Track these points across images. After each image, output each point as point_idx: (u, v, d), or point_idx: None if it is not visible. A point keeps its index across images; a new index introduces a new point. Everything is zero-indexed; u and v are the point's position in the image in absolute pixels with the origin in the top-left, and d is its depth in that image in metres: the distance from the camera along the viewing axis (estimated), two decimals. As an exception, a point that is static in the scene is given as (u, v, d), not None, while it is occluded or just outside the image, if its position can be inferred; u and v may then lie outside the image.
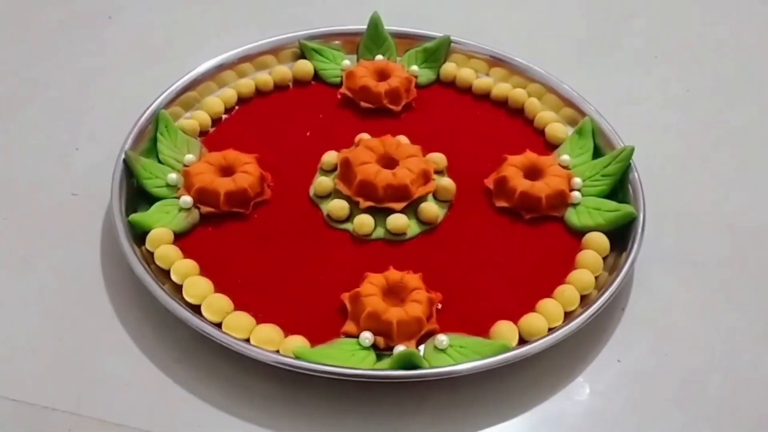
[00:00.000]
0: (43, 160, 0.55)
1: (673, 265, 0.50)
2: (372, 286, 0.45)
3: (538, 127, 0.59)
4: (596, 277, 0.48)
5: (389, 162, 0.52)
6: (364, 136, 0.55)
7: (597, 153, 0.56)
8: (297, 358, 0.41)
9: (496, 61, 0.62)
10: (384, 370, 0.41)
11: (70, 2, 0.68)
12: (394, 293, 0.45)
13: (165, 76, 0.58)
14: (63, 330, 0.45)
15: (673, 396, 0.44)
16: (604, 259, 0.49)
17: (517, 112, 0.60)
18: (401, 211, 0.51)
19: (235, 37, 0.62)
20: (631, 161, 0.53)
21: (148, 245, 0.48)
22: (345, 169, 0.52)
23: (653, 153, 0.56)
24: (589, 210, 0.52)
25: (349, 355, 0.43)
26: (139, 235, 0.48)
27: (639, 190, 0.52)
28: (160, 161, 0.53)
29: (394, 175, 0.51)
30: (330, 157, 0.54)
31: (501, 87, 0.61)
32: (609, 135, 0.56)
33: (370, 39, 0.63)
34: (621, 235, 0.50)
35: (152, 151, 0.54)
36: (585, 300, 0.47)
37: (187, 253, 0.48)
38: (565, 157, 0.55)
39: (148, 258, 0.47)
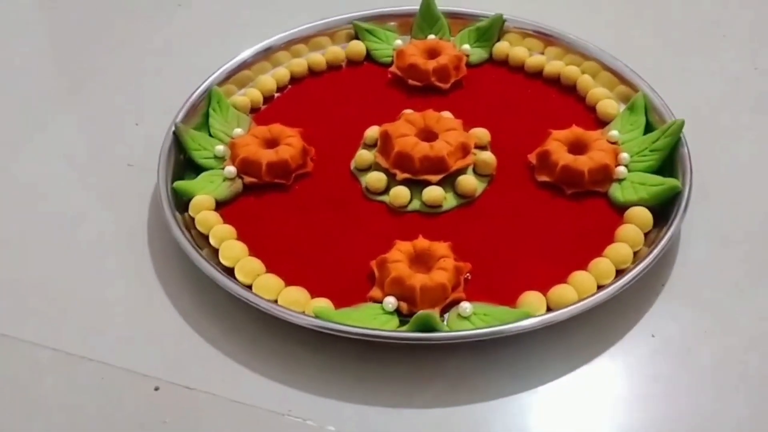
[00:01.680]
0: (107, 133, 0.58)
1: (718, 242, 0.48)
2: (399, 252, 0.45)
3: (590, 104, 0.57)
4: (636, 252, 0.46)
5: (429, 135, 0.52)
6: (410, 111, 0.55)
7: (649, 130, 0.54)
8: (317, 317, 0.42)
9: (551, 39, 0.61)
10: (398, 331, 0.41)
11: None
12: (422, 261, 0.45)
13: (223, 55, 0.60)
14: (105, 285, 0.47)
15: (708, 375, 0.42)
16: (647, 234, 0.48)
17: (569, 90, 0.59)
18: (438, 184, 0.51)
19: (293, 18, 0.64)
20: (681, 135, 0.51)
21: (190, 211, 0.50)
22: (384, 142, 0.52)
23: (705, 129, 0.53)
24: (634, 185, 0.50)
25: (371, 318, 0.43)
26: (184, 203, 0.50)
27: (687, 164, 0.49)
28: (210, 135, 0.55)
29: (431, 147, 0.51)
30: (373, 131, 0.54)
31: (554, 64, 0.60)
32: (661, 110, 0.54)
33: (423, 19, 0.63)
34: (666, 212, 0.48)
35: (204, 125, 0.56)
36: (622, 275, 0.45)
37: (227, 220, 0.50)
38: (614, 133, 0.53)
39: (190, 224, 0.49)
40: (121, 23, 0.69)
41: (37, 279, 0.48)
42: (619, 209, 0.49)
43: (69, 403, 0.41)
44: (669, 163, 0.51)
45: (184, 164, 0.53)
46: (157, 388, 0.42)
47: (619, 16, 0.68)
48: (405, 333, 0.41)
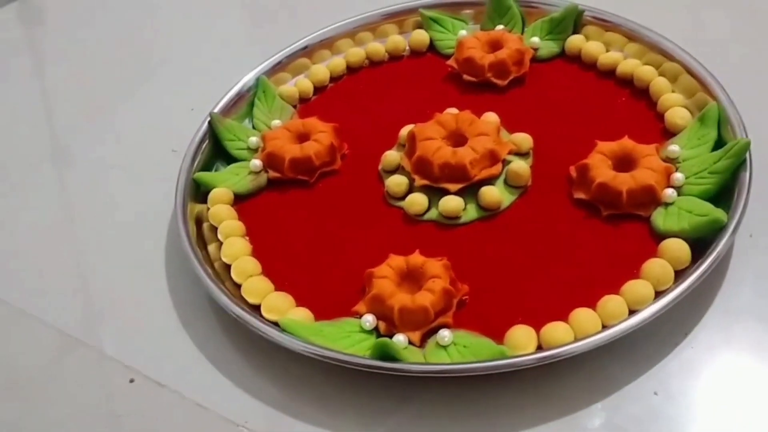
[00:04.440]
0: (162, 117, 0.59)
1: (764, 293, 0.40)
2: (388, 268, 0.42)
3: (660, 111, 0.50)
4: (661, 292, 0.40)
5: (458, 140, 0.48)
6: (451, 110, 0.51)
7: (721, 147, 0.46)
8: (283, 330, 0.41)
9: (632, 35, 0.55)
10: (353, 355, 0.39)
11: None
12: (413, 279, 0.42)
13: (285, 42, 0.59)
14: (112, 270, 0.49)
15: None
16: (684, 271, 0.41)
17: (642, 93, 0.52)
18: (458, 193, 0.47)
19: (361, 5, 0.61)
20: (745, 158, 0.43)
21: (208, 203, 0.50)
22: (409, 144, 0.49)
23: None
24: (680, 212, 0.43)
25: (344, 336, 0.41)
26: (208, 194, 0.50)
27: (744, 193, 0.42)
28: (254, 125, 0.55)
29: (453, 154, 0.47)
30: (406, 131, 0.51)
31: (628, 63, 0.53)
32: (735, 126, 0.46)
33: (494, 8, 0.59)
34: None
35: (250, 114, 0.56)
36: (633, 316, 0.39)
37: (243, 215, 0.49)
38: (674, 148, 0.47)
39: (206, 215, 0.49)
40: (181, 13, 0.70)
41: (61, 256, 0.50)
42: (658, 239, 0.43)
43: (52, 381, 0.43)
44: (730, 189, 0.44)
45: (220, 153, 0.53)
46: (132, 380, 0.42)
47: (716, 20, 0.59)
48: (358, 359, 0.39)
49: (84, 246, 0.51)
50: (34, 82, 0.66)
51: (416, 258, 0.43)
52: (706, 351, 0.39)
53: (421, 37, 0.59)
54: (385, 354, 0.38)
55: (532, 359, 0.37)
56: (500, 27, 0.58)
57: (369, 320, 0.41)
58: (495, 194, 0.46)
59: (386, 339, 0.39)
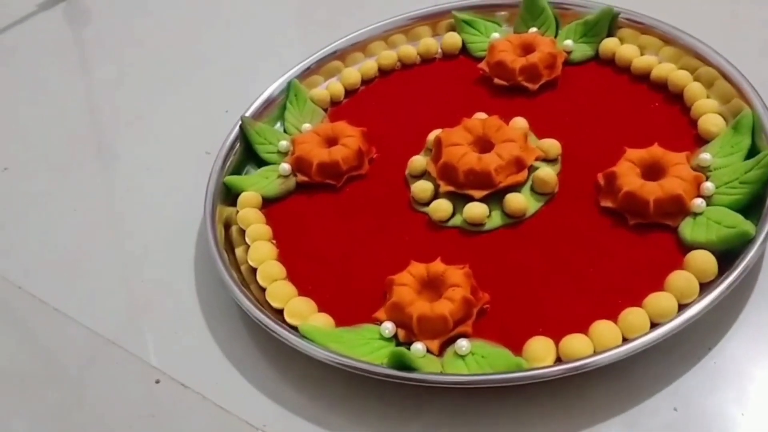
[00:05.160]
0: (198, 118, 0.60)
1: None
2: (409, 275, 0.42)
3: (694, 117, 0.49)
4: (686, 305, 0.39)
5: (485, 145, 0.48)
6: (479, 115, 0.51)
7: (754, 155, 0.45)
8: (303, 336, 0.41)
9: (668, 39, 0.53)
10: (371, 364, 0.39)
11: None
12: (433, 287, 0.42)
13: (320, 44, 0.59)
14: (145, 270, 0.50)
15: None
16: (711, 283, 0.40)
17: (676, 98, 0.51)
18: (484, 200, 0.47)
19: (395, 7, 0.62)
20: (777, 168, 0.42)
21: (237, 206, 0.50)
22: (436, 149, 0.49)
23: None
24: (709, 222, 0.42)
25: (364, 343, 0.41)
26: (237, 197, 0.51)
27: (774, 205, 0.41)
28: (285, 129, 0.55)
29: (479, 160, 0.47)
30: (434, 136, 0.51)
31: (663, 67, 0.52)
32: (769, 134, 0.45)
33: (527, 10, 0.58)
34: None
35: (281, 117, 0.56)
36: (655, 329, 0.39)
37: (271, 218, 0.50)
38: (705, 156, 0.46)
39: (234, 219, 0.50)
40: (217, 14, 0.71)
41: (95, 256, 0.51)
42: (685, 250, 0.42)
43: (81, 379, 0.44)
44: (762, 200, 0.43)
45: (251, 156, 0.54)
46: (158, 381, 0.43)
47: (755, 25, 0.57)
48: (375, 367, 0.39)
49: (117, 247, 0.52)
50: (79, 82, 0.68)
51: (437, 266, 0.43)
52: (729, 366, 0.38)
53: (453, 39, 0.59)
54: (402, 363, 0.38)
55: (550, 372, 0.37)
56: (534, 30, 0.57)
57: (388, 327, 0.41)
58: (520, 201, 0.46)
59: (403, 348, 0.39)
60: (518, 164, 0.47)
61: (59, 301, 0.48)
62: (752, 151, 0.45)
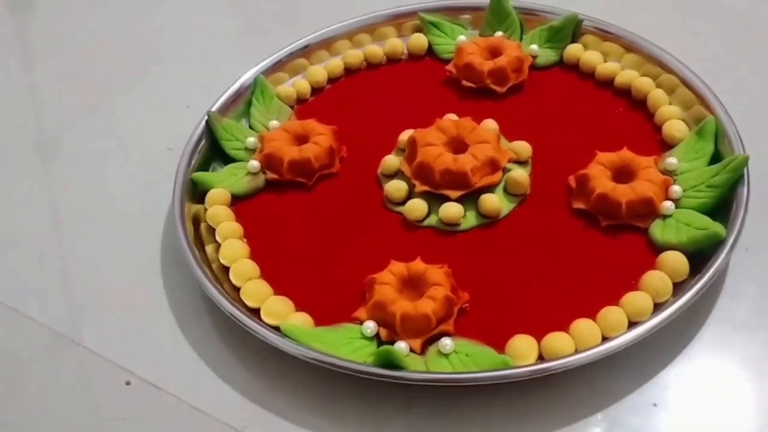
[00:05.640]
0: (157, 113, 0.59)
1: (763, 309, 0.41)
2: (390, 274, 0.42)
3: (658, 123, 0.51)
4: (660, 304, 0.41)
5: (459, 146, 0.48)
6: (450, 116, 0.52)
7: (718, 161, 0.47)
8: (285, 335, 0.40)
9: (630, 46, 0.55)
10: (356, 363, 0.39)
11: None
12: (414, 285, 0.42)
13: (284, 41, 0.59)
14: (110, 273, 0.48)
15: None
16: (682, 283, 0.42)
17: (639, 104, 0.53)
18: (459, 200, 0.47)
19: (359, 7, 0.61)
20: (743, 173, 0.44)
21: (205, 204, 0.49)
22: (410, 150, 0.49)
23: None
24: (678, 224, 0.44)
25: (346, 342, 0.41)
26: (205, 194, 0.50)
27: (741, 208, 0.43)
28: (250, 125, 0.54)
29: (454, 161, 0.47)
30: (406, 136, 0.51)
31: (626, 74, 0.54)
32: (732, 141, 0.47)
33: (493, 14, 0.59)
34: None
35: (247, 113, 0.55)
36: (633, 328, 0.40)
37: (240, 216, 0.49)
38: (671, 161, 0.47)
39: (203, 216, 0.49)
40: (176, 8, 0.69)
41: (53, 254, 0.49)
42: (656, 250, 0.43)
43: (48, 383, 0.42)
44: (728, 203, 0.44)
45: (217, 152, 0.53)
46: (128, 383, 0.42)
47: (713, 34, 0.59)
48: (361, 366, 0.39)
49: (76, 244, 0.50)
50: (22, 75, 0.65)
51: (418, 265, 0.43)
52: (703, 363, 0.39)
53: (419, 41, 0.59)
54: (389, 362, 0.38)
55: (536, 370, 0.38)
56: (499, 33, 0.58)
57: (370, 327, 0.41)
58: (495, 202, 0.47)
59: (389, 347, 0.39)
60: (493, 165, 0.47)
61: (17, 301, 0.46)
62: (715, 157, 0.47)
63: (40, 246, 0.50)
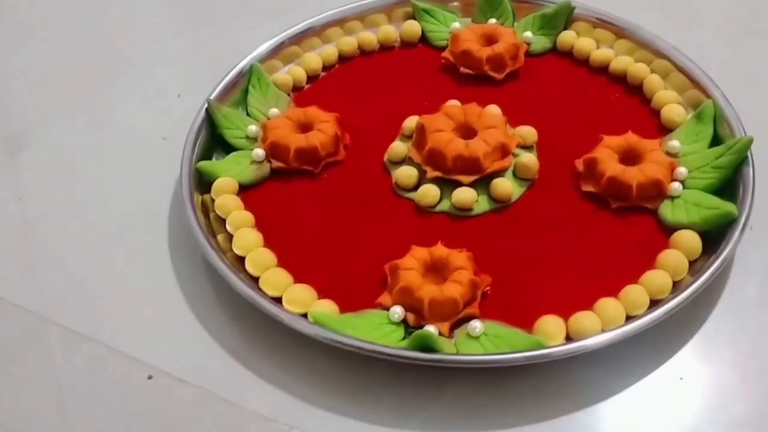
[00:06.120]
0: (148, 102, 0.57)
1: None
2: (413, 259, 0.42)
3: (655, 108, 0.52)
4: (677, 282, 0.42)
5: (467, 132, 0.49)
6: (453, 102, 0.52)
7: (717, 143, 0.48)
8: (315, 323, 0.40)
9: (622, 32, 0.56)
10: (394, 347, 0.39)
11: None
12: (437, 270, 0.42)
13: (276, 29, 0.58)
14: (119, 264, 0.46)
15: None
16: (695, 262, 0.43)
17: (635, 90, 0.54)
18: (471, 185, 0.47)
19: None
20: (748, 154, 0.46)
21: (212, 193, 0.48)
22: (419, 135, 0.49)
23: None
24: (687, 205, 0.45)
25: (374, 328, 0.41)
26: (209, 183, 0.49)
27: (749, 188, 0.44)
28: (248, 113, 0.54)
29: (466, 146, 0.47)
30: (411, 122, 0.51)
31: (621, 60, 0.55)
32: (732, 123, 0.48)
33: (486, 1, 0.59)
34: (722, 237, 0.43)
35: (243, 102, 0.54)
36: (656, 306, 0.41)
37: (248, 205, 0.48)
38: (674, 143, 0.48)
39: (211, 206, 0.48)
40: None
41: (54, 250, 0.47)
42: (668, 230, 0.45)
43: (64, 380, 0.41)
44: (731, 183, 0.46)
45: (216, 141, 0.52)
46: (150, 377, 0.41)
47: (703, 18, 0.61)
48: (398, 350, 0.39)
49: (81, 239, 0.48)
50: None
51: (440, 249, 0.43)
52: (722, 337, 0.41)
53: (413, 27, 0.59)
54: (426, 345, 0.38)
55: (571, 348, 0.38)
56: (492, 21, 0.58)
57: (398, 312, 0.41)
58: (507, 186, 0.47)
59: (426, 330, 0.39)
60: (503, 150, 0.48)
61: (30, 302, 0.44)
62: (714, 139, 0.49)
63: (40, 245, 0.48)
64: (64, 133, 0.55)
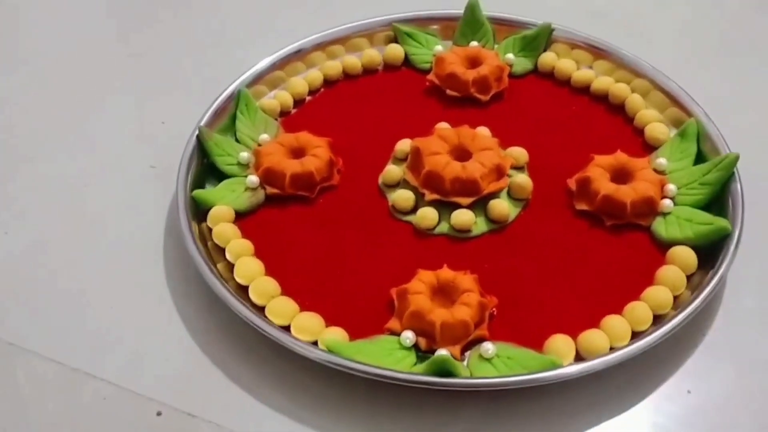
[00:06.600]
0: (132, 130, 0.56)
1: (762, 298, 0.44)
2: (421, 283, 0.43)
3: (638, 127, 0.54)
4: (677, 297, 0.43)
5: (462, 154, 0.49)
6: (443, 125, 0.52)
7: (701, 160, 0.50)
8: (328, 351, 0.40)
9: (601, 53, 0.58)
10: (412, 373, 0.39)
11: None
12: (445, 293, 0.43)
13: (258, 55, 0.58)
14: (115, 296, 0.45)
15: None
16: (691, 277, 0.44)
17: (617, 109, 0.55)
18: (469, 207, 0.48)
19: (332, 18, 0.61)
20: (734, 170, 0.47)
21: (208, 222, 0.48)
22: (414, 159, 0.49)
23: (762, 164, 0.49)
24: (679, 221, 0.47)
25: (386, 354, 0.41)
26: (203, 212, 0.48)
27: (739, 203, 0.46)
28: (237, 139, 0.53)
29: (463, 168, 0.48)
30: (404, 145, 0.52)
31: (602, 80, 0.56)
32: (715, 140, 0.50)
33: (467, 24, 0.60)
34: (715, 253, 0.44)
35: (231, 128, 0.54)
36: (660, 321, 0.42)
37: (246, 233, 0.47)
38: (662, 161, 0.50)
39: (208, 234, 0.47)
40: (158, 16, 0.67)
41: (46, 285, 0.46)
42: (662, 246, 0.46)
43: (68, 421, 0.40)
44: (719, 199, 0.47)
45: (207, 169, 0.51)
46: (159, 413, 0.40)
47: (679, 36, 0.64)
48: (419, 376, 0.39)
49: (69, 271, 0.47)
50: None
51: (446, 272, 0.43)
52: (724, 348, 0.42)
53: (396, 51, 0.59)
54: (444, 370, 0.38)
55: (586, 367, 0.39)
56: (474, 43, 0.59)
57: (409, 337, 0.41)
58: (504, 207, 0.48)
59: (445, 355, 0.39)
60: (499, 171, 0.49)
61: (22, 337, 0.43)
62: (699, 157, 0.50)
63: (29, 279, 0.46)
64: (50, 162, 0.54)
